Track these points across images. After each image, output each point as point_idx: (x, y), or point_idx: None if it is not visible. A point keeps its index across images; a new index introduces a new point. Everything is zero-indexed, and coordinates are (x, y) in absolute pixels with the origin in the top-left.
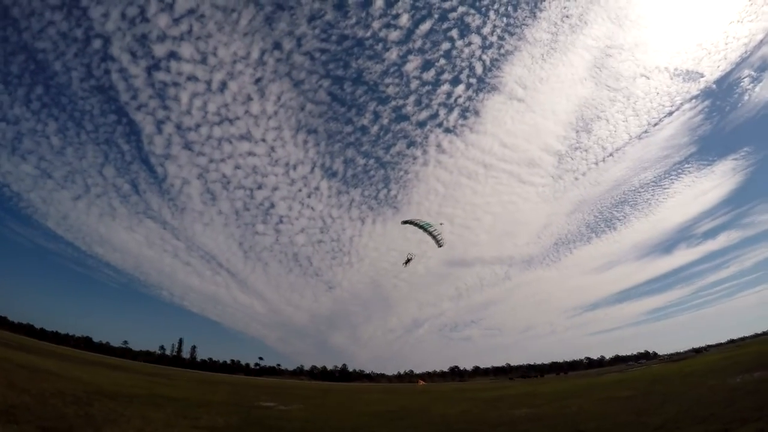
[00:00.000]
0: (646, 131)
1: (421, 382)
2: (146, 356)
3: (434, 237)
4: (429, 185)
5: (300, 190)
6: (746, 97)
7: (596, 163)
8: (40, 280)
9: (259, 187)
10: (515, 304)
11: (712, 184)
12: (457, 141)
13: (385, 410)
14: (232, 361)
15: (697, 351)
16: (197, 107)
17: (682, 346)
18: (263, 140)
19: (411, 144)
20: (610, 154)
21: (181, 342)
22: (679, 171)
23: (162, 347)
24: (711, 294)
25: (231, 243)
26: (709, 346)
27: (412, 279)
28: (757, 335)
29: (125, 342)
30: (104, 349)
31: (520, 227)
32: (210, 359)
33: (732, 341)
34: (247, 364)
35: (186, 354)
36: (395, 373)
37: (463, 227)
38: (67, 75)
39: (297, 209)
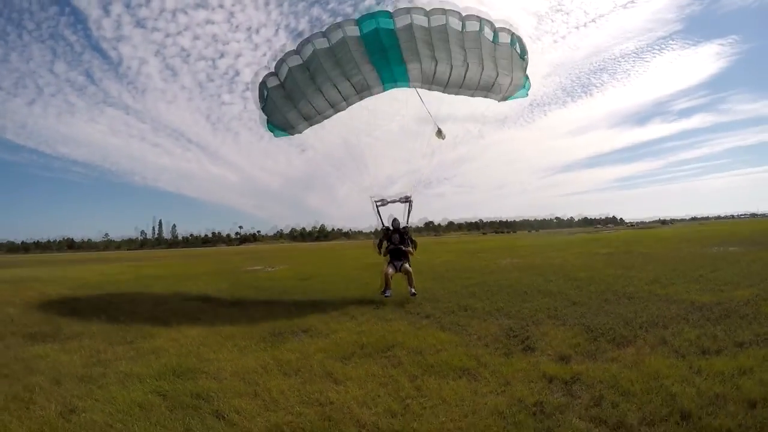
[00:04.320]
0: (632, 1)
1: None
2: (129, 244)
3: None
4: None
5: (265, 55)
6: None
7: (577, 28)
8: (10, 195)
9: (222, 56)
10: (488, 162)
11: (693, 65)
12: None
13: (372, 263)
14: (213, 233)
15: (663, 222)
16: None
17: (648, 216)
18: (221, 6)
19: None
20: (593, 20)
21: (160, 223)
22: (662, 46)
23: (142, 232)
24: (679, 171)
25: (198, 117)
26: (674, 220)
27: (385, 137)
28: (719, 217)
29: (106, 235)
30: (87, 246)
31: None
32: (191, 235)
33: (695, 219)
34: (228, 235)
35: (167, 234)
36: (372, 229)
37: None
38: None
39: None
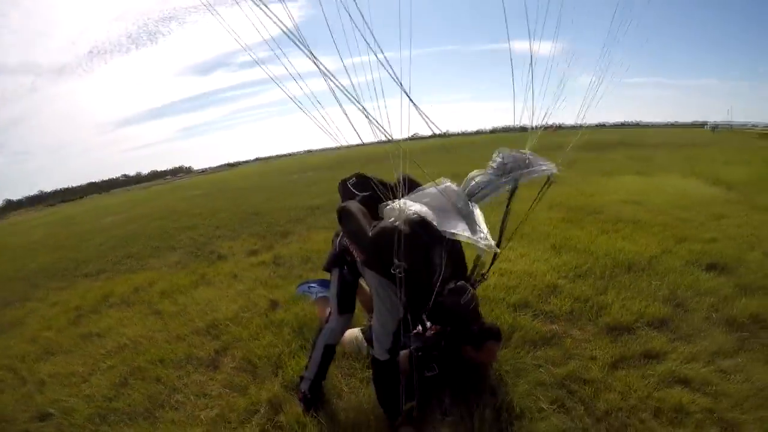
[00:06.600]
0: None
1: None
2: None
3: None
4: None
5: None
6: None
7: None
8: None
9: None
10: (44, 120)
11: (266, 22)
12: None
13: None
14: None
15: (231, 165)
16: None
17: (216, 162)
18: None
19: None
20: None
21: None
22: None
23: None
24: (244, 117)
25: None
26: (240, 162)
27: None
28: (280, 156)
29: None
30: None
31: (54, 29)
32: None
33: (259, 159)
34: None
35: None
36: None
37: None
38: None
39: None
